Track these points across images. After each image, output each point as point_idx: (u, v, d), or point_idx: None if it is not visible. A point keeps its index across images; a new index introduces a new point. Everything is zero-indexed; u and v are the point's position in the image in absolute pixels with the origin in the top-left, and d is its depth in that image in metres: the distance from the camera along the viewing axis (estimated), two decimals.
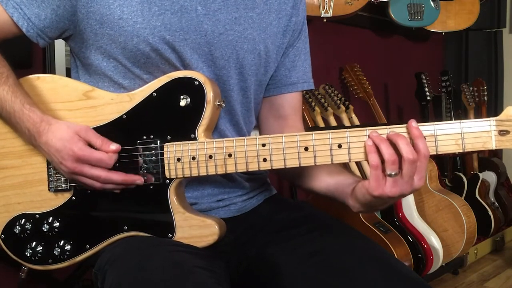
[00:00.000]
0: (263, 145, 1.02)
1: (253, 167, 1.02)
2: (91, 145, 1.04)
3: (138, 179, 1.05)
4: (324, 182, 1.16)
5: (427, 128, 0.96)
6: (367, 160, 0.96)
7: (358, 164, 2.36)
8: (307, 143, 1.00)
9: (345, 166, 2.30)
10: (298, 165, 1.01)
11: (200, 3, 1.09)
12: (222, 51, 1.12)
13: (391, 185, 0.95)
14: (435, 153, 0.96)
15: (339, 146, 0.99)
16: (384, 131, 0.97)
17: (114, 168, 1.05)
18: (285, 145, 1.01)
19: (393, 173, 0.95)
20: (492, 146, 0.95)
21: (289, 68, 1.24)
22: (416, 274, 1.05)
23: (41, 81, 1.13)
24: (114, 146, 1.04)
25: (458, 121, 0.96)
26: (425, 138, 0.95)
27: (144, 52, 1.07)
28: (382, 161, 0.95)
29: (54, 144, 1.04)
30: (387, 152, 0.94)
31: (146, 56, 1.08)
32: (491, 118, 0.95)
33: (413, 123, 0.96)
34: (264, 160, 1.02)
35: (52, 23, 1.10)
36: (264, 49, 1.17)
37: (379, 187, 0.96)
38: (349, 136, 0.98)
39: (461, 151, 0.95)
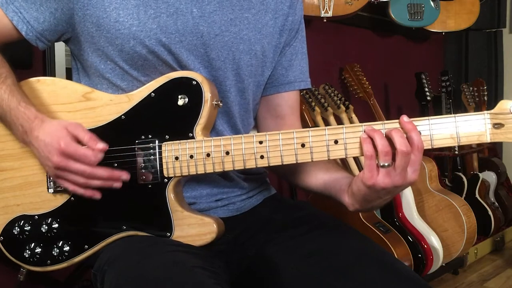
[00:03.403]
0: (260, 142, 1.02)
1: (250, 164, 1.02)
2: (79, 142, 1.04)
3: (124, 175, 1.05)
4: (321, 179, 1.15)
5: (422, 123, 0.97)
6: (362, 154, 0.97)
7: (358, 163, 2.36)
8: (304, 140, 1.00)
9: (344, 166, 2.30)
10: (295, 162, 1.01)
11: (195, 5, 1.10)
12: (218, 52, 1.12)
13: (383, 175, 0.95)
14: (430, 147, 0.96)
15: (336, 142, 0.99)
16: (379, 126, 0.98)
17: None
18: (282, 142, 1.01)
19: (386, 164, 0.95)
20: (487, 139, 0.95)
21: (286, 67, 1.24)
22: (416, 274, 1.05)
23: (41, 84, 1.14)
24: (101, 145, 1.03)
25: (453, 115, 0.96)
26: (420, 133, 0.96)
27: (141, 55, 1.08)
28: (377, 152, 0.96)
29: (43, 139, 1.04)
30: (380, 143, 0.95)
31: (143, 58, 1.08)
32: (485, 112, 0.95)
33: (404, 118, 0.97)
34: (261, 157, 1.02)
35: (50, 26, 1.11)
36: (261, 50, 1.17)
37: (372, 177, 0.96)
38: (345, 132, 0.98)
39: (456, 144, 0.96)
